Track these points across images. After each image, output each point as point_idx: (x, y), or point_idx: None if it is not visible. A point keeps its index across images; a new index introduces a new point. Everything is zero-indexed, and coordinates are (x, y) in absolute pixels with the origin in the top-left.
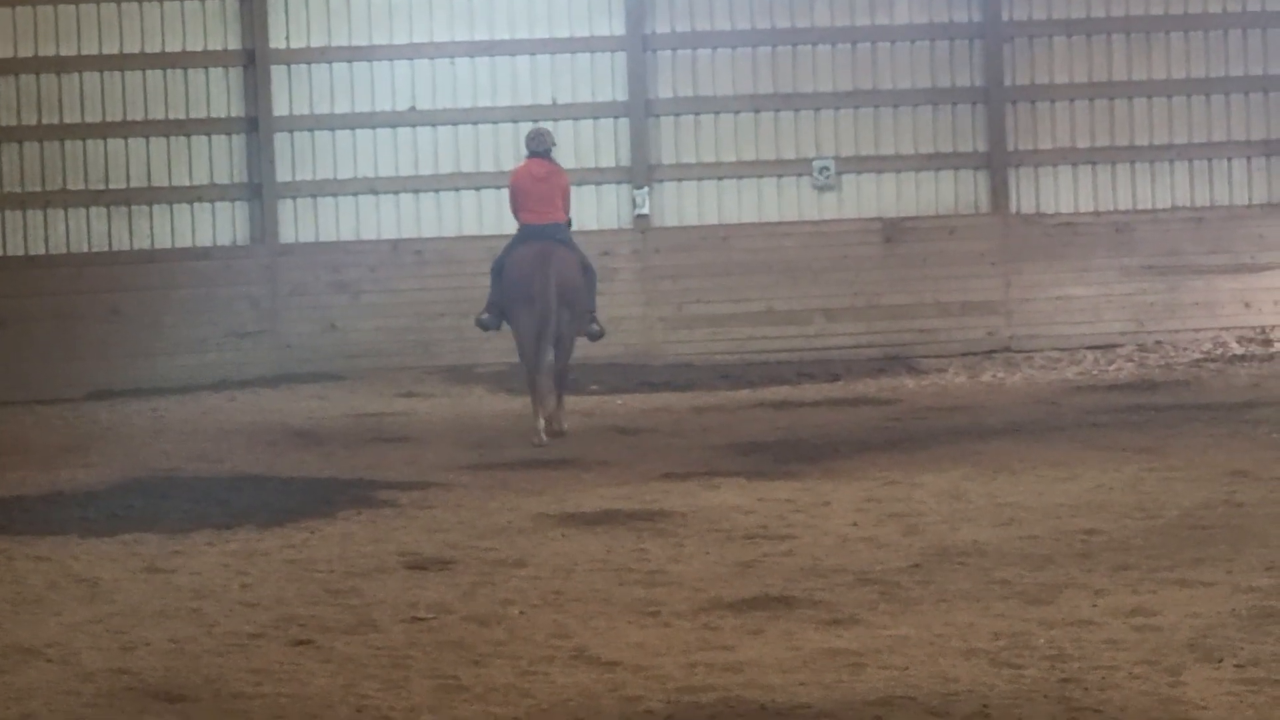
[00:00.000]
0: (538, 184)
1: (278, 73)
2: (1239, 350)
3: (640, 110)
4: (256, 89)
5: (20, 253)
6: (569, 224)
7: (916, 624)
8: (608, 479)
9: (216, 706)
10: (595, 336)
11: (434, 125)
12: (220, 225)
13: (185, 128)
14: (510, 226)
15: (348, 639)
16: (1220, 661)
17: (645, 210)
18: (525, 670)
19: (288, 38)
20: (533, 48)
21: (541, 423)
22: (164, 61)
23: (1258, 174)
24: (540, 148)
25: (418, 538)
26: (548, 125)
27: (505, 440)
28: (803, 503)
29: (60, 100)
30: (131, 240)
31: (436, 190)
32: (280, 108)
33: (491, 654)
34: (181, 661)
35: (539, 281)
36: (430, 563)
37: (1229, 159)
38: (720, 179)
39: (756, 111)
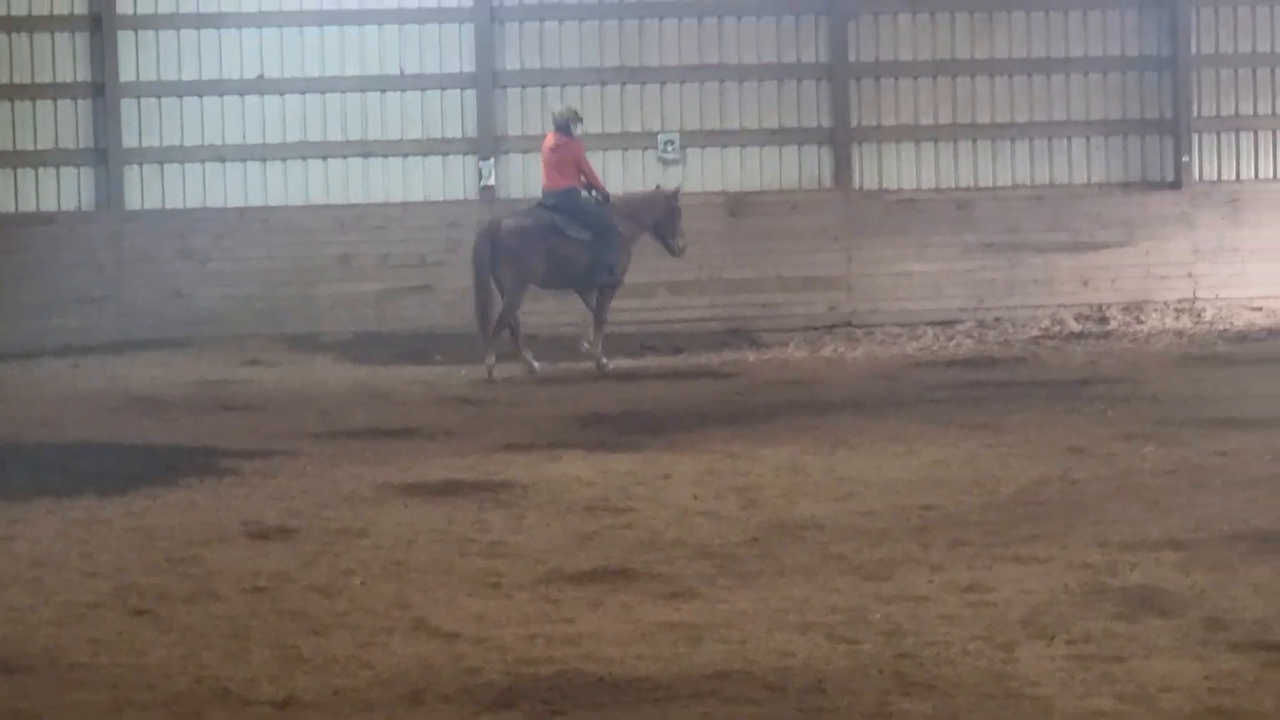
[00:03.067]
0: (550, 154)
1: (125, 38)
2: (1076, 328)
3: (487, 81)
4: (104, 53)
5: None
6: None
7: (754, 598)
8: (451, 449)
9: (54, 676)
10: (609, 286)
11: (282, 94)
12: (65, 190)
13: (30, 92)
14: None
15: (188, 608)
16: (1053, 638)
17: (491, 182)
18: (365, 641)
19: (135, 2)
20: (381, 17)
21: (490, 360)
22: (8, 25)
23: (1096, 153)
24: (558, 123)
25: (260, 506)
26: (569, 109)
27: (350, 409)
28: (643, 475)
29: None
30: None
31: (284, 159)
32: (127, 73)
33: (332, 624)
34: (19, 631)
35: (475, 254)
36: (272, 531)
37: (1069, 138)
38: None
39: (603, 84)
